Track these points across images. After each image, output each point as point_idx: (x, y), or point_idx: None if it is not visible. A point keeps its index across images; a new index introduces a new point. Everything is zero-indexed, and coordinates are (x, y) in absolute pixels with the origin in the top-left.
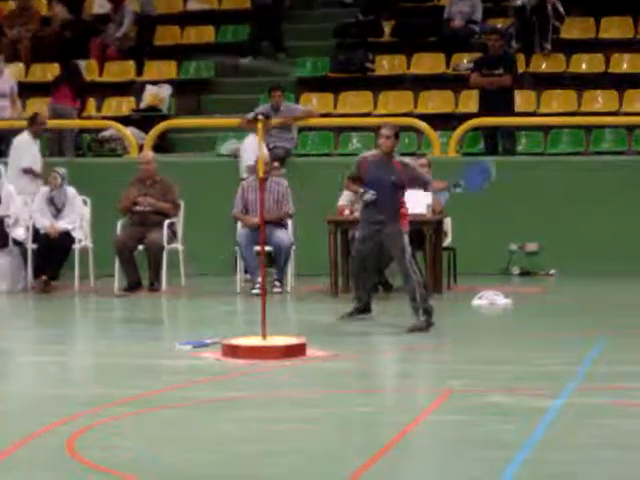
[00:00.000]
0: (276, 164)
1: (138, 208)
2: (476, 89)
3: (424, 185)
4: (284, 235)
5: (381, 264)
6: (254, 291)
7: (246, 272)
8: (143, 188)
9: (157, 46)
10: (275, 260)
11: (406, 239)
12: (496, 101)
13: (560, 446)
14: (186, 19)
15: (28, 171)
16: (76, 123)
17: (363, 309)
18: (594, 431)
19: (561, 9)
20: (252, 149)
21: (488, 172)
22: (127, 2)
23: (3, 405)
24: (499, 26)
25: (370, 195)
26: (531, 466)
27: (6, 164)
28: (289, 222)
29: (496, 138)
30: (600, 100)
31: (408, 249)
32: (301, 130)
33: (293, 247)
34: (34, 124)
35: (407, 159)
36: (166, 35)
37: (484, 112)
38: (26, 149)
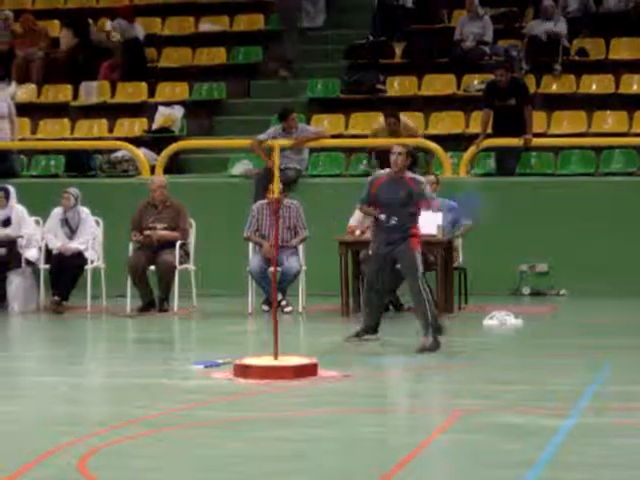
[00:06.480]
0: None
1: (148, 232)
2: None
3: (426, 203)
4: (294, 262)
5: (393, 283)
6: (286, 309)
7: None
8: (154, 213)
9: (169, 67)
10: (279, 282)
11: (419, 257)
12: (510, 123)
13: (571, 465)
14: (198, 40)
15: None
16: (88, 144)
17: (369, 329)
18: (604, 451)
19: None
20: None
21: (474, 204)
22: (137, 23)
23: (15, 425)
24: (508, 46)
25: (385, 217)
26: None
27: (13, 185)
28: (301, 245)
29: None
30: (610, 121)
31: (420, 268)
32: (312, 151)
33: (304, 268)
34: None
35: (418, 176)
36: (177, 56)
37: (499, 134)
38: None
